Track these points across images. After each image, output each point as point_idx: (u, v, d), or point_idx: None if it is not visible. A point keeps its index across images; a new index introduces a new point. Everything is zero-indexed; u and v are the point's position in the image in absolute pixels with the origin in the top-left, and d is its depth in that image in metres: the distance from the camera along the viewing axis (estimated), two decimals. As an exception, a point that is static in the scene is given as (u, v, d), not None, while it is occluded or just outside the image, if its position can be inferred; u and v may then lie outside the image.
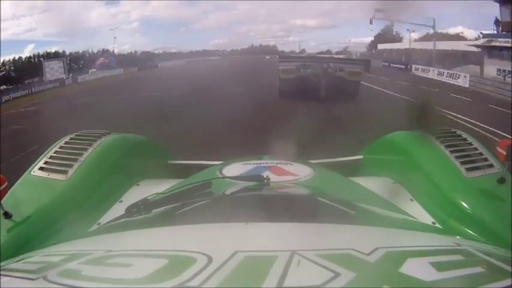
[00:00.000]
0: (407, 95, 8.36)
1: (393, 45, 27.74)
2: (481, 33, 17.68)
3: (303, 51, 34.12)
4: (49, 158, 1.50)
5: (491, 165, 1.38)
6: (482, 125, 7.40)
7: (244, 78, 15.70)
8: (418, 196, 1.41)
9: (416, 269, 0.54)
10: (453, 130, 1.63)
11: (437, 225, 1.24)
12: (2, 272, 0.61)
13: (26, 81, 21.91)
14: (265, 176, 1.21)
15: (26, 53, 24.71)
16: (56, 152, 1.54)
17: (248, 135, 6.37)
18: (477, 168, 1.37)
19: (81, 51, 26.92)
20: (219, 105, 9.65)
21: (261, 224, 0.75)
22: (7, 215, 1.16)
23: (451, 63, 18.76)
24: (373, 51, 29.07)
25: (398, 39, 28.14)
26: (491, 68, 15.40)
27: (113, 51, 28.88)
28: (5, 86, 20.65)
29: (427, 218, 1.27)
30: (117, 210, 1.33)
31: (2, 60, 23.60)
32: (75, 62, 26.89)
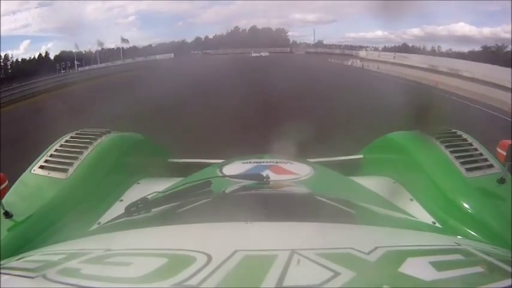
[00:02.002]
0: None
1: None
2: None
3: (319, 42, 24.04)
4: (49, 156, 1.51)
5: (491, 166, 1.38)
6: None
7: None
8: (418, 196, 1.41)
9: (416, 268, 0.54)
10: (453, 130, 1.63)
11: (437, 224, 1.24)
12: (1, 271, 0.61)
13: None
14: (265, 175, 1.21)
15: (21, 49, 20.47)
16: (56, 150, 1.54)
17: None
18: (477, 168, 1.37)
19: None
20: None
21: (260, 223, 0.75)
22: (7, 215, 1.16)
23: None
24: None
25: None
26: None
27: (101, 48, 22.22)
28: None
29: (427, 218, 1.27)
30: (118, 209, 1.33)
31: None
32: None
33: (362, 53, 18.73)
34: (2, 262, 0.72)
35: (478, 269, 0.61)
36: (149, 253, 0.63)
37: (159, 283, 0.51)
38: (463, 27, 20.72)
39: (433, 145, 1.50)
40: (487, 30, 18.98)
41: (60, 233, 1.16)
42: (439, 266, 0.55)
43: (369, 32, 23.54)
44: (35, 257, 0.74)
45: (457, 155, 1.42)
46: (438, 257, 0.62)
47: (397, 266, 0.54)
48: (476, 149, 1.47)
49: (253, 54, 21.18)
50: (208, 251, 0.57)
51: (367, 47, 20.16)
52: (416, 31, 21.84)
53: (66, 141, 1.61)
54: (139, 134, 2.04)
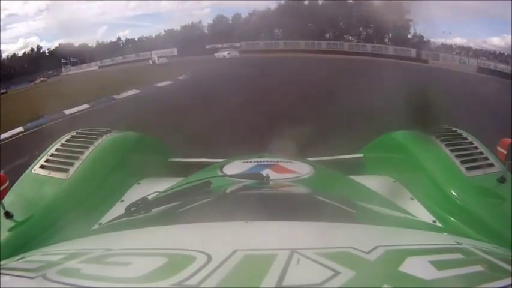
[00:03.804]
0: None
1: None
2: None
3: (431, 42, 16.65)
4: (50, 156, 1.50)
5: (491, 165, 1.38)
6: None
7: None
8: (419, 195, 1.41)
9: (416, 267, 0.54)
10: (454, 129, 1.63)
11: (437, 223, 1.24)
12: (1, 271, 0.61)
13: None
14: (265, 174, 1.21)
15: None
16: (57, 150, 1.54)
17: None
18: (477, 167, 1.37)
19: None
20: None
21: (260, 223, 0.75)
22: (7, 215, 1.16)
23: None
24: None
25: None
26: None
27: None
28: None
29: (427, 217, 1.27)
30: (118, 209, 1.33)
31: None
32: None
33: None
34: (2, 262, 0.72)
35: (478, 268, 0.61)
36: (149, 253, 0.63)
37: (159, 283, 0.51)
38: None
39: (433, 144, 1.50)
40: None
41: (60, 234, 1.16)
42: (439, 265, 0.55)
43: (446, 38, 19.04)
44: (35, 257, 0.74)
45: (458, 153, 1.42)
46: (438, 256, 0.61)
47: (397, 265, 0.54)
48: (476, 148, 1.47)
49: (227, 55, 11.90)
50: (208, 250, 0.57)
51: None
52: (496, 40, 18.19)
53: (67, 140, 1.60)
54: (140, 133, 2.03)
